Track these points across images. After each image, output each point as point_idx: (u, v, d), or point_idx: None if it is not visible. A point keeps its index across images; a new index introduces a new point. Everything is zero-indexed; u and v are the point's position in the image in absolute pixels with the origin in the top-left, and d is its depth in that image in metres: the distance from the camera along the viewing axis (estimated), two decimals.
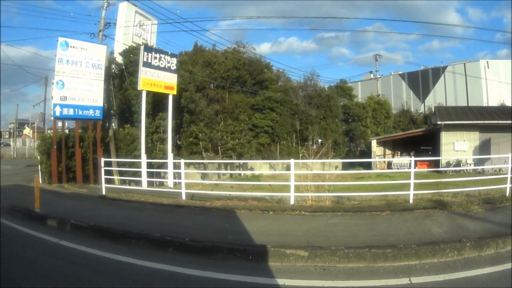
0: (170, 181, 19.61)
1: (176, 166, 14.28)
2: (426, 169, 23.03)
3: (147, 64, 17.61)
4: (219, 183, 20.20)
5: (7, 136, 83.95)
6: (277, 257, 4.97)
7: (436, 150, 29.57)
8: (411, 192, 8.45)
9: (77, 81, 15.67)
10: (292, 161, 9.11)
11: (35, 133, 69.96)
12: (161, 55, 18.44)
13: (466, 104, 35.25)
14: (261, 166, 27.83)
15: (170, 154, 19.37)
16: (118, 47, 24.39)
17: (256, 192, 10.88)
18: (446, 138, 28.22)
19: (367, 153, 29.64)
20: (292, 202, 8.61)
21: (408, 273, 4.55)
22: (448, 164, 27.02)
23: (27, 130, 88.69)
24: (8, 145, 65.00)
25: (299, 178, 14.55)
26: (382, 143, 29.22)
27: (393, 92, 38.64)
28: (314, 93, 29.71)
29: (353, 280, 4.44)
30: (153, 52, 18.03)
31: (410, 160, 9.27)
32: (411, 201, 8.39)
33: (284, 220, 7.20)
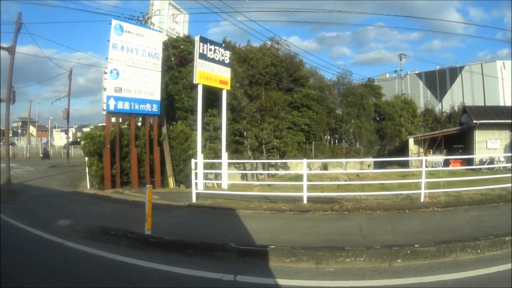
0: (224, 182, 17.07)
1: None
2: (460, 167, 21.29)
3: (203, 56, 14.87)
4: (272, 184, 17.77)
5: (11, 135, 78.47)
6: None
7: (467, 148, 28.13)
8: None
9: (133, 71, 12.83)
10: (424, 158, 8.52)
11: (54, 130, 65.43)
12: (216, 47, 15.70)
13: (483, 104, 34.03)
14: (296, 166, 25.35)
15: (224, 154, 16.68)
16: None
17: (375, 192, 9.25)
18: (479, 136, 27.07)
19: (401, 151, 27.69)
20: (422, 199, 7.93)
21: None
22: (482, 162, 25.82)
23: (31, 129, 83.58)
24: (14, 143, 60.32)
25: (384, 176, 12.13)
26: (417, 142, 27.44)
27: (410, 91, 36.85)
28: (349, 91, 27.44)
29: None
30: (208, 44, 15.24)
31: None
32: None
33: (431, 217, 6.56)
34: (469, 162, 22.98)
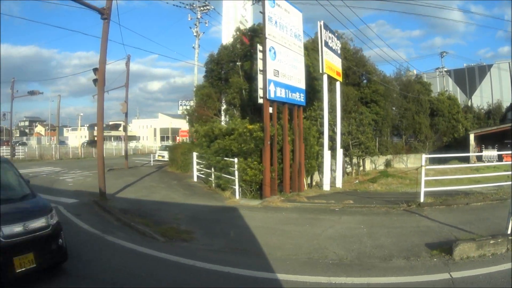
0: (338, 181, 14.46)
1: None
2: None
3: (326, 45, 12.26)
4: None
5: (18, 135, 71.37)
6: None
7: None
8: None
9: (285, 52, 9.98)
10: None
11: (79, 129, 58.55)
12: (332, 35, 13.08)
13: (511, 101, 33.32)
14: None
15: (339, 151, 14.11)
16: (229, 27, 18.70)
17: None
18: None
19: (452, 147, 26.05)
20: None
21: None
22: None
23: (39, 128, 76.83)
24: (25, 144, 54.49)
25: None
26: (475, 138, 25.90)
27: (439, 89, 35.56)
28: (408, 87, 25.45)
29: None
30: (328, 31, 12.56)
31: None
32: None
33: None
34: None
